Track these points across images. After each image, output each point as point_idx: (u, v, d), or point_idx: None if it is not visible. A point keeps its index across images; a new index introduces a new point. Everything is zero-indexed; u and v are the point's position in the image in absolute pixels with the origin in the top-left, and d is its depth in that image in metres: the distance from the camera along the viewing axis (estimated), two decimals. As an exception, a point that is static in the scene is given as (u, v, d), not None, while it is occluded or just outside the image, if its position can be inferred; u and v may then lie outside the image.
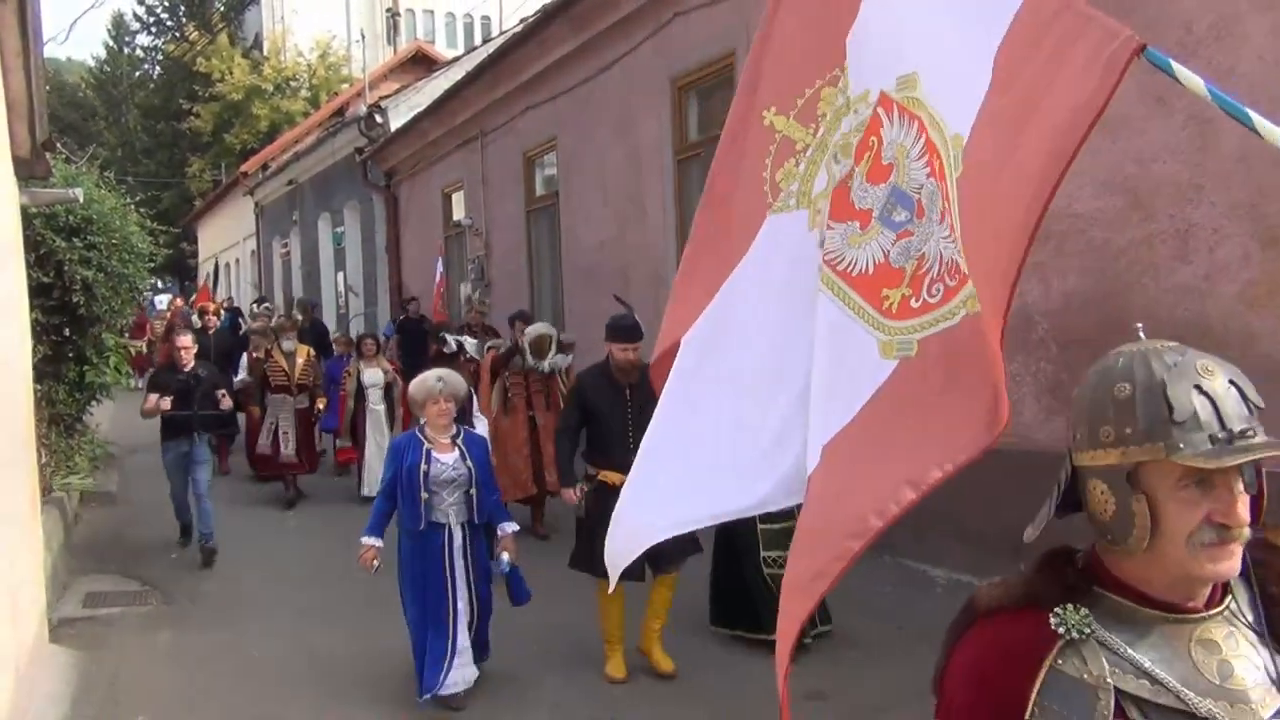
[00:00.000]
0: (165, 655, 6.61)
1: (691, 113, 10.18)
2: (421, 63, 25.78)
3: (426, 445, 5.54)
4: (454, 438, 5.64)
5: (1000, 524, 4.82)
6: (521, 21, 14.05)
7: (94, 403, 10.36)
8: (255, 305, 17.80)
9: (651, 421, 2.78)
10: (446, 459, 5.53)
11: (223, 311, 14.40)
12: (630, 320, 6.00)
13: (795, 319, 2.49)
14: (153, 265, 10.27)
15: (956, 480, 1.98)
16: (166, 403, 8.38)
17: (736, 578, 6.26)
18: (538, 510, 9.21)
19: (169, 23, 43.11)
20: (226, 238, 33.69)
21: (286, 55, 38.09)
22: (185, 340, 8.98)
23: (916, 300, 2.20)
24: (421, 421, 5.67)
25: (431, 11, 42.95)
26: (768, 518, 5.48)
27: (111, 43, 45.93)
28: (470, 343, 10.57)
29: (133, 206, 9.83)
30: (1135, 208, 5.81)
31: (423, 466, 5.45)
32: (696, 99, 10.12)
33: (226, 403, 9.32)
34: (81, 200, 7.78)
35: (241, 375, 11.49)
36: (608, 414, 5.88)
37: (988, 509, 5.64)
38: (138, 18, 44.19)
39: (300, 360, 10.93)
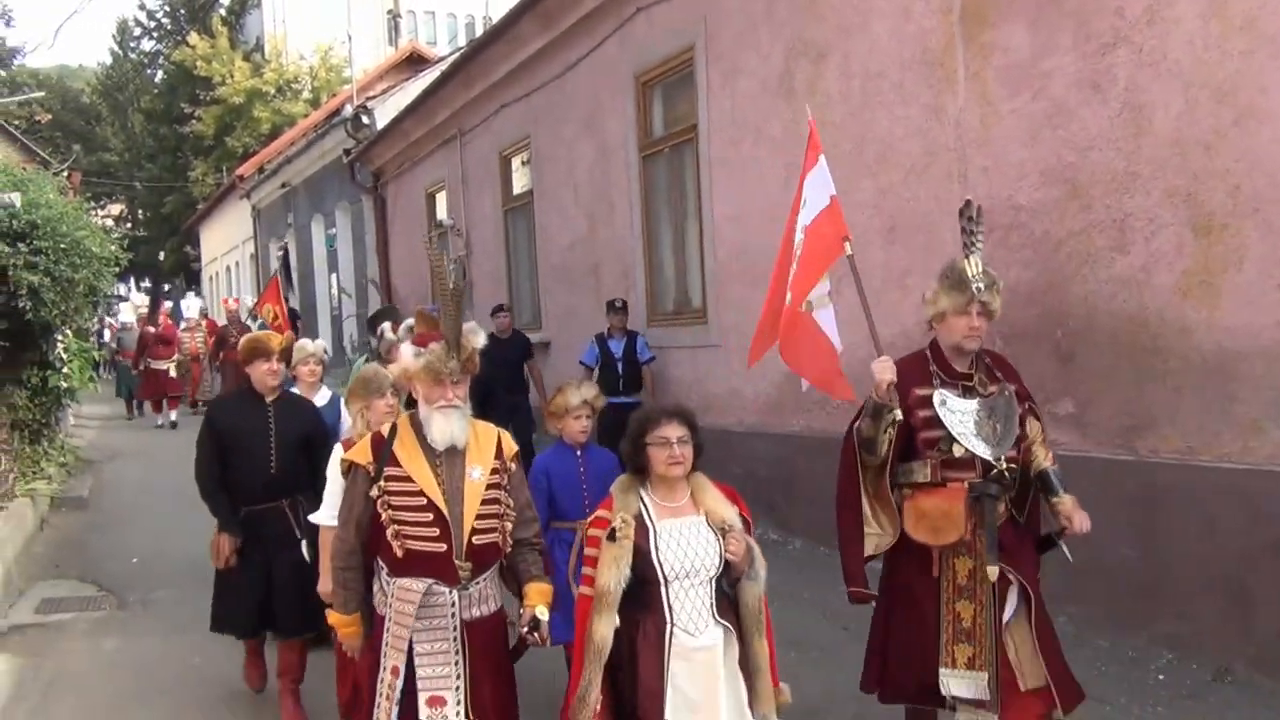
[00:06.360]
0: (107, 662, 6.52)
1: (655, 109, 10.06)
2: (417, 63, 25.64)
3: None
4: None
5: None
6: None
7: (60, 407, 10.27)
8: (376, 322, 8.46)
9: None
10: None
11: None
12: None
13: None
14: (117, 269, 10.14)
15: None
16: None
17: None
18: None
19: (169, 27, 43.13)
20: (227, 241, 33.72)
21: (287, 58, 38.05)
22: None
23: None
24: None
25: (433, 13, 42.99)
26: None
27: (116, 48, 46.06)
28: None
29: (85, 210, 9.68)
30: (1073, 197, 5.67)
31: None
32: (660, 94, 10.00)
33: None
34: (19, 206, 7.68)
35: (331, 510, 4.37)
36: None
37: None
38: (139, 23, 44.30)
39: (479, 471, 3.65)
